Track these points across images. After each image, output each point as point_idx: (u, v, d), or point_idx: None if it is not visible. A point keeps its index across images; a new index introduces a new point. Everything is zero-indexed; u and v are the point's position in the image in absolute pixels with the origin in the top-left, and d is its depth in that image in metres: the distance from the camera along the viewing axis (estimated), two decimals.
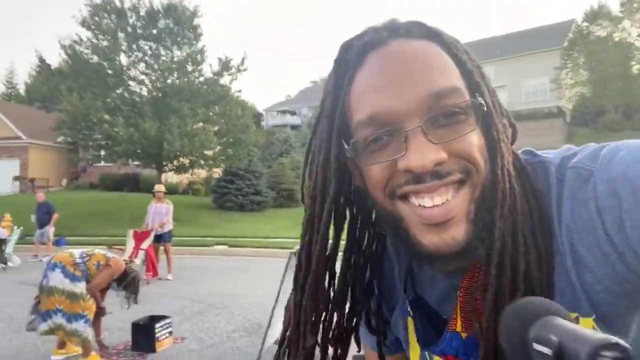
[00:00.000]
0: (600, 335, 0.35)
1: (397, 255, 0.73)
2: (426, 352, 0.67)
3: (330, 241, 0.64)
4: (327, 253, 0.63)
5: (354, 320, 0.72)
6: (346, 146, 0.57)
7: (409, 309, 0.69)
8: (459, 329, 0.62)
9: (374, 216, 0.69)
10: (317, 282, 0.63)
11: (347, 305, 0.70)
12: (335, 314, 0.68)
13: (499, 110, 0.60)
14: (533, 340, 0.38)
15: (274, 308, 4.32)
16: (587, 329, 0.37)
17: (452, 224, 0.53)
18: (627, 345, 0.34)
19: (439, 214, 0.53)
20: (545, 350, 0.36)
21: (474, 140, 0.55)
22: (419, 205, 0.54)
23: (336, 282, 0.67)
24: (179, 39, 19.43)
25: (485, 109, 0.56)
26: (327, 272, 0.66)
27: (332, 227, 0.64)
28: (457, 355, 0.62)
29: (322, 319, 0.66)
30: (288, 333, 0.67)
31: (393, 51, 0.56)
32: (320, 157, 0.61)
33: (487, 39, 46.04)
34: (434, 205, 0.53)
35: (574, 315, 0.55)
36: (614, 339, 0.34)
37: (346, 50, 0.60)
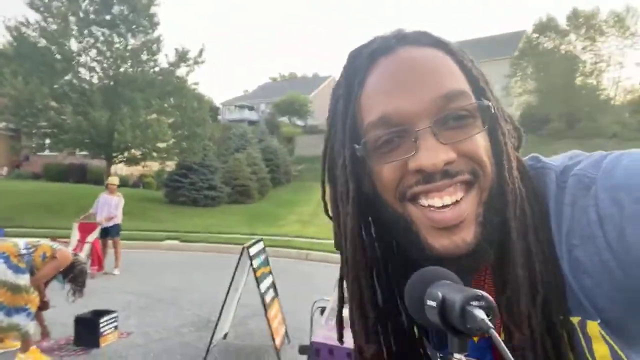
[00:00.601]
0: (472, 290, 0.43)
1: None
2: (438, 355, 0.67)
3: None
4: (365, 260, 0.64)
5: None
6: (357, 146, 0.59)
7: None
8: None
9: (373, 227, 0.69)
10: (361, 289, 0.64)
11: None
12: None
13: (503, 115, 0.63)
14: (426, 297, 0.47)
15: (223, 304, 4.33)
16: (465, 287, 0.46)
17: (463, 226, 0.55)
18: (490, 297, 0.42)
19: (451, 217, 0.55)
20: (433, 303, 0.45)
21: (480, 143, 0.57)
22: (429, 206, 0.56)
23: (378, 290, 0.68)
24: (134, 26, 18.76)
25: (492, 111, 0.58)
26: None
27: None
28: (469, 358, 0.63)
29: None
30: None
31: (402, 57, 0.59)
32: (340, 161, 0.63)
33: None
34: (443, 205, 0.55)
35: (577, 319, 0.56)
36: (481, 292, 0.42)
37: (355, 57, 0.63)
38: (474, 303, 0.42)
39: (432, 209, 0.56)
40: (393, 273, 0.69)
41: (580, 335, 0.56)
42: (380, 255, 0.68)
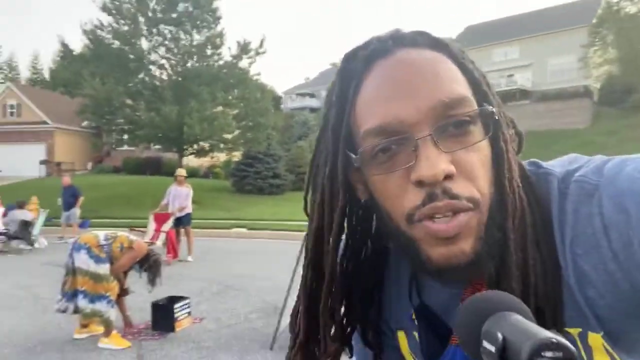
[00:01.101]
0: (545, 334, 0.33)
1: (402, 264, 0.71)
2: None
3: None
4: (335, 266, 0.63)
5: (347, 330, 0.70)
6: (353, 156, 0.57)
7: (413, 317, 0.67)
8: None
9: (374, 228, 0.68)
10: (330, 293, 0.63)
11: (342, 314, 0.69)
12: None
13: (505, 120, 0.59)
14: (482, 337, 0.37)
15: (289, 290, 4.40)
16: (536, 325, 0.36)
17: (461, 237, 0.53)
18: (569, 345, 0.33)
19: (451, 227, 0.52)
20: (491, 347, 0.35)
21: (480, 155, 0.54)
22: (430, 220, 0.53)
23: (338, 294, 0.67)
24: (198, 22, 19.46)
25: (496, 117, 0.55)
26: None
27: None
28: None
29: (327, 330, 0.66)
30: (299, 340, 0.67)
31: (400, 60, 0.55)
32: (326, 170, 0.60)
33: (512, 16, 44.78)
34: (444, 216, 0.52)
35: (577, 330, 0.54)
36: (558, 337, 0.33)
37: (350, 60, 0.59)
38: (547, 354, 0.32)
39: (435, 221, 0.53)
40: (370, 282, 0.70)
41: (580, 347, 0.54)
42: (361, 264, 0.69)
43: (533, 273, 0.54)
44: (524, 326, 0.35)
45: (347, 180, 0.60)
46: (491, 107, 0.55)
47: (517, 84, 38.77)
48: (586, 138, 28.74)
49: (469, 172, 0.53)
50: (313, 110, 45.11)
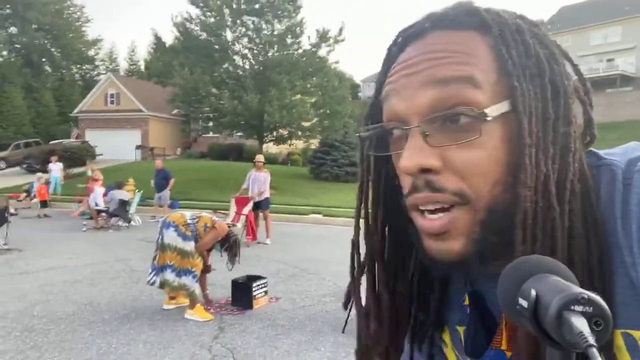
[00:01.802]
0: (575, 289, 0.34)
1: None
2: None
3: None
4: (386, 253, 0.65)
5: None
6: (370, 125, 0.59)
7: (465, 302, 0.64)
8: (504, 346, 0.58)
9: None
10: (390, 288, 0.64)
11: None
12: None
13: (550, 116, 0.52)
14: (519, 295, 0.38)
15: (360, 277, 4.45)
16: (572, 284, 0.36)
17: (449, 237, 0.52)
18: (601, 302, 0.33)
19: (438, 225, 0.52)
20: (525, 303, 0.36)
21: (478, 154, 0.50)
22: (420, 213, 0.53)
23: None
24: (279, 12, 19.86)
25: (519, 118, 0.50)
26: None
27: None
28: None
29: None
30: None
31: (426, 44, 0.54)
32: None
33: None
34: (435, 210, 0.52)
35: None
36: (589, 293, 0.33)
37: (395, 40, 0.60)
38: (576, 308, 0.32)
39: (425, 213, 0.53)
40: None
41: None
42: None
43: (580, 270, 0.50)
44: (558, 284, 0.36)
45: (377, 161, 0.62)
46: (490, 111, 0.49)
47: (618, 69, 35.42)
48: None
49: (459, 168, 0.50)
50: None
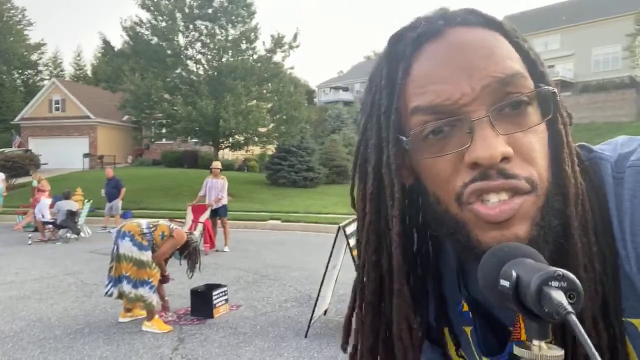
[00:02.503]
0: (551, 268, 0.38)
1: (454, 256, 0.67)
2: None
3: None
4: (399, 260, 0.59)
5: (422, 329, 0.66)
6: (404, 139, 0.54)
7: (464, 308, 0.64)
8: (523, 338, 0.58)
9: (421, 217, 0.65)
10: (403, 296, 0.59)
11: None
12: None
13: (561, 99, 0.56)
14: (500, 277, 0.42)
15: (322, 281, 4.48)
16: (545, 265, 0.40)
17: (516, 222, 0.50)
18: (573, 277, 0.38)
19: (506, 210, 0.50)
20: (506, 283, 0.41)
21: (538, 138, 0.52)
22: (483, 201, 0.51)
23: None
24: (233, 17, 19.68)
25: (556, 97, 0.53)
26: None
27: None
28: None
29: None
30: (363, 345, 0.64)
31: (452, 40, 0.53)
32: (376, 157, 0.58)
33: (553, 5, 43.22)
34: (499, 201, 0.50)
35: (639, 320, 0.52)
36: (561, 270, 0.38)
37: (397, 42, 0.57)
38: (553, 283, 0.37)
39: (481, 205, 0.51)
40: (426, 272, 0.66)
41: None
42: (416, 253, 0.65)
43: (598, 261, 0.53)
44: (535, 265, 0.41)
45: (399, 168, 0.56)
46: (551, 88, 0.52)
47: (558, 75, 37.47)
48: (631, 132, 27.45)
49: (527, 154, 0.51)
50: (346, 103, 44.95)
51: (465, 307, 0.64)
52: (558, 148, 0.54)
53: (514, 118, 0.51)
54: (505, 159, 0.49)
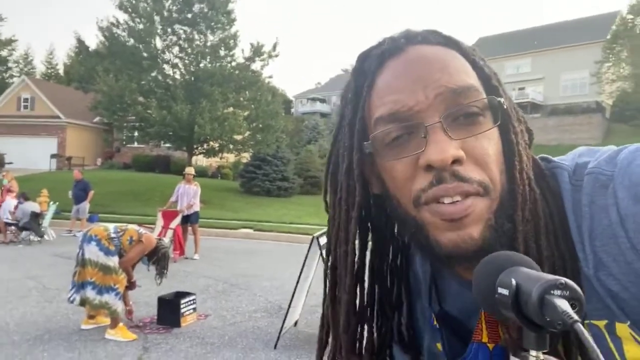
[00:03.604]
0: (552, 277, 0.38)
1: (423, 267, 0.70)
2: None
3: (357, 253, 0.64)
4: (355, 266, 0.63)
5: (386, 336, 0.69)
6: (365, 143, 0.58)
7: (435, 322, 0.67)
8: (484, 339, 0.60)
9: (395, 227, 0.68)
10: (350, 296, 0.63)
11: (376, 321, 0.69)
12: (365, 330, 0.67)
13: (516, 115, 0.60)
14: (497, 285, 0.42)
15: (294, 292, 4.43)
16: (544, 274, 0.40)
17: (470, 222, 0.53)
18: (576, 286, 0.38)
19: (459, 209, 0.53)
20: (505, 292, 0.41)
21: (490, 146, 0.55)
22: (438, 203, 0.54)
23: (365, 296, 0.66)
24: (212, 23, 19.59)
25: (504, 107, 0.56)
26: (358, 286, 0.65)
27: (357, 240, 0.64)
28: None
29: (357, 336, 0.66)
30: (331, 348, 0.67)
31: (411, 56, 0.58)
32: (343, 166, 0.61)
33: (525, 30, 44.76)
34: (453, 201, 0.53)
35: (603, 322, 0.54)
36: (564, 279, 0.38)
37: (364, 60, 0.62)
38: (556, 292, 0.37)
39: (441, 205, 0.54)
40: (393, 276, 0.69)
41: (608, 338, 0.53)
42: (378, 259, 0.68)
43: (547, 264, 0.54)
44: (534, 274, 0.40)
45: (363, 174, 0.60)
46: (500, 98, 0.56)
47: (528, 97, 38.66)
48: None
49: (479, 158, 0.54)
50: (323, 115, 45.21)
51: (435, 321, 0.66)
52: (510, 155, 0.57)
53: (466, 126, 0.54)
54: (457, 161, 0.52)
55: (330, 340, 0.67)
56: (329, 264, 0.66)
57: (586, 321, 0.54)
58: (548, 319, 0.36)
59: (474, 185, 0.53)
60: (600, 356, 0.34)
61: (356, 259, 0.63)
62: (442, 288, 0.67)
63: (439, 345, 0.67)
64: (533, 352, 0.39)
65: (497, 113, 0.56)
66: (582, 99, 36.31)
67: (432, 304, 0.68)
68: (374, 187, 0.62)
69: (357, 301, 0.64)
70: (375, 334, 0.68)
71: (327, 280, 0.66)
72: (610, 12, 39.14)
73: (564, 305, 0.36)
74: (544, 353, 0.39)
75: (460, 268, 0.59)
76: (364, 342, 0.67)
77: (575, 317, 0.35)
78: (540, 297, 0.37)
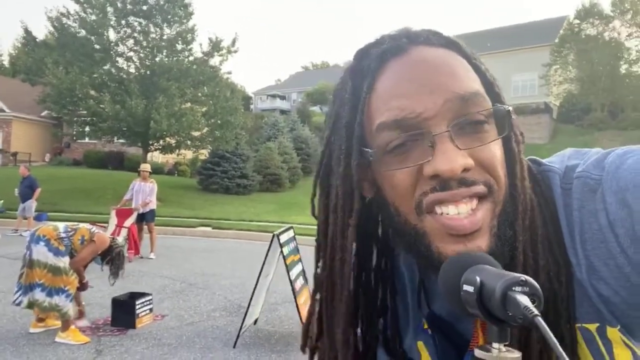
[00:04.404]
0: (514, 274, 0.41)
1: (409, 271, 0.69)
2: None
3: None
4: (353, 275, 0.61)
5: (371, 342, 0.68)
6: (369, 151, 0.55)
7: (425, 326, 0.65)
8: (482, 344, 0.59)
9: (380, 230, 0.66)
10: (348, 307, 0.61)
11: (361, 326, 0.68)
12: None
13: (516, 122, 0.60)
14: (463, 282, 0.44)
15: (254, 290, 4.39)
16: (506, 272, 0.43)
17: (478, 235, 0.52)
18: (535, 283, 0.40)
19: (468, 224, 0.51)
20: (470, 288, 0.43)
21: (496, 151, 0.54)
22: (442, 213, 0.52)
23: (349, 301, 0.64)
24: (169, 16, 19.04)
25: (512, 117, 0.55)
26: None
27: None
28: None
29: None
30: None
31: (415, 58, 0.55)
32: (340, 169, 0.58)
33: (479, 32, 46.15)
34: (459, 213, 0.52)
35: (594, 325, 0.54)
36: (524, 276, 0.40)
37: (362, 58, 0.59)
38: (517, 288, 0.39)
39: (447, 216, 0.52)
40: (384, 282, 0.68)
41: (599, 342, 0.54)
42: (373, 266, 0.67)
43: (543, 272, 0.54)
44: (497, 272, 0.43)
45: (359, 179, 0.58)
46: (507, 107, 0.55)
47: None
48: (545, 153, 29.74)
49: (487, 162, 0.53)
50: (283, 112, 45.00)
51: (426, 325, 0.65)
52: (512, 164, 0.56)
53: (473, 134, 0.53)
54: (466, 170, 0.51)
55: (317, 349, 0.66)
56: (321, 271, 0.63)
57: (578, 324, 0.55)
58: (510, 314, 0.39)
59: (480, 185, 0.52)
60: (559, 346, 0.36)
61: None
62: (430, 289, 0.66)
63: (420, 344, 0.66)
64: (495, 345, 0.41)
65: (504, 123, 0.54)
66: (532, 100, 37.85)
67: (422, 307, 0.66)
68: (366, 192, 0.60)
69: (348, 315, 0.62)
70: (360, 339, 0.66)
71: (320, 290, 0.63)
72: (559, 16, 41.02)
73: (525, 300, 0.38)
74: (505, 345, 0.41)
75: None
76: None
77: (536, 311, 0.38)
78: (503, 293, 0.39)
